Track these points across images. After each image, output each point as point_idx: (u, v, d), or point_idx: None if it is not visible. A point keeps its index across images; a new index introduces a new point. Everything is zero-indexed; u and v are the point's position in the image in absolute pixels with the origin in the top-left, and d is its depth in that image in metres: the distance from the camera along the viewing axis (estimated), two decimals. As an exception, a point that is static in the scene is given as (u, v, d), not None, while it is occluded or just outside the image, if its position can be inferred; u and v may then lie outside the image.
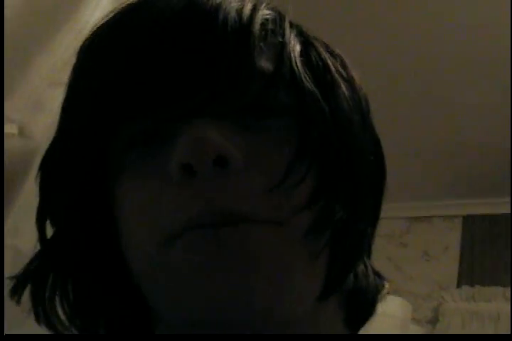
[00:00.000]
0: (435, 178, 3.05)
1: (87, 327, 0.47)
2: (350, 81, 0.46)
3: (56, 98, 0.66)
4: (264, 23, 0.43)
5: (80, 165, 0.44)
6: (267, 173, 0.39)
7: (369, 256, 0.51)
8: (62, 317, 0.47)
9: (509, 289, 2.74)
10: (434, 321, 2.70)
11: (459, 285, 2.96)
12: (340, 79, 0.45)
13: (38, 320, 0.46)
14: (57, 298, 0.47)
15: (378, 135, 0.48)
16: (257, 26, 0.42)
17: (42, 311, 0.46)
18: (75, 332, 0.47)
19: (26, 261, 0.61)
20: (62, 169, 0.45)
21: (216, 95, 0.40)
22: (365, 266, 0.50)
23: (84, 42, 0.46)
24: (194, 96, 0.40)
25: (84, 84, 0.44)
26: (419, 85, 2.37)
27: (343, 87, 0.45)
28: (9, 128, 0.58)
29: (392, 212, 3.12)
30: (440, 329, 2.54)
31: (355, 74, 0.47)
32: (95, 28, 0.46)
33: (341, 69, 0.46)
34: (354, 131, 0.44)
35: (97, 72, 0.43)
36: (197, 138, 0.38)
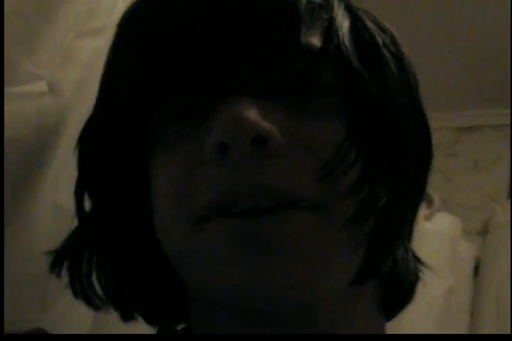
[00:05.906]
0: (484, 86, 2.95)
1: (123, 302, 0.48)
2: (399, 57, 0.44)
3: (84, 49, 0.64)
4: None
5: (119, 140, 0.43)
6: (313, 155, 0.38)
7: (410, 241, 0.50)
8: (100, 292, 0.47)
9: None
10: (484, 233, 2.70)
11: (510, 196, 2.93)
12: (389, 56, 0.42)
13: (75, 295, 0.47)
14: (94, 273, 0.47)
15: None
16: (303, 0, 0.39)
17: (79, 286, 0.47)
18: (111, 307, 0.48)
19: (65, 216, 0.61)
20: (100, 144, 0.45)
21: (258, 72, 0.38)
22: (406, 251, 0.49)
23: (122, 18, 0.44)
24: (235, 72, 0.38)
25: (123, 60, 0.43)
26: None
27: (392, 65, 0.42)
28: (39, 87, 0.56)
29: (440, 122, 3.06)
30: (490, 242, 2.53)
31: (404, 50, 0.45)
32: (133, 2, 0.43)
33: (390, 45, 0.43)
34: (401, 114, 0.41)
35: (136, 48, 0.41)
36: (234, 117, 0.35)
